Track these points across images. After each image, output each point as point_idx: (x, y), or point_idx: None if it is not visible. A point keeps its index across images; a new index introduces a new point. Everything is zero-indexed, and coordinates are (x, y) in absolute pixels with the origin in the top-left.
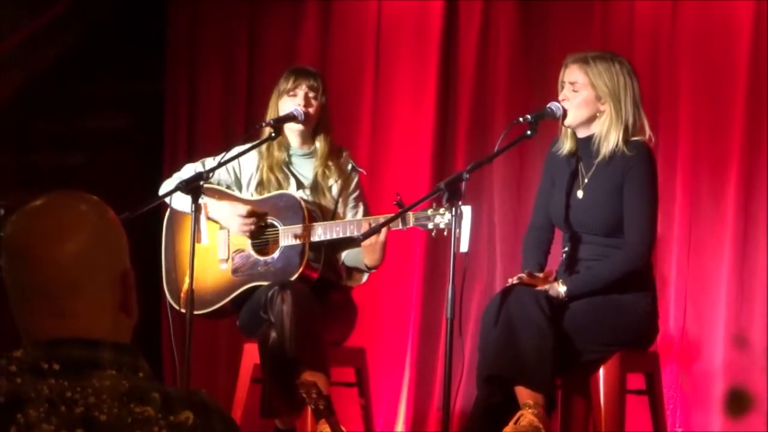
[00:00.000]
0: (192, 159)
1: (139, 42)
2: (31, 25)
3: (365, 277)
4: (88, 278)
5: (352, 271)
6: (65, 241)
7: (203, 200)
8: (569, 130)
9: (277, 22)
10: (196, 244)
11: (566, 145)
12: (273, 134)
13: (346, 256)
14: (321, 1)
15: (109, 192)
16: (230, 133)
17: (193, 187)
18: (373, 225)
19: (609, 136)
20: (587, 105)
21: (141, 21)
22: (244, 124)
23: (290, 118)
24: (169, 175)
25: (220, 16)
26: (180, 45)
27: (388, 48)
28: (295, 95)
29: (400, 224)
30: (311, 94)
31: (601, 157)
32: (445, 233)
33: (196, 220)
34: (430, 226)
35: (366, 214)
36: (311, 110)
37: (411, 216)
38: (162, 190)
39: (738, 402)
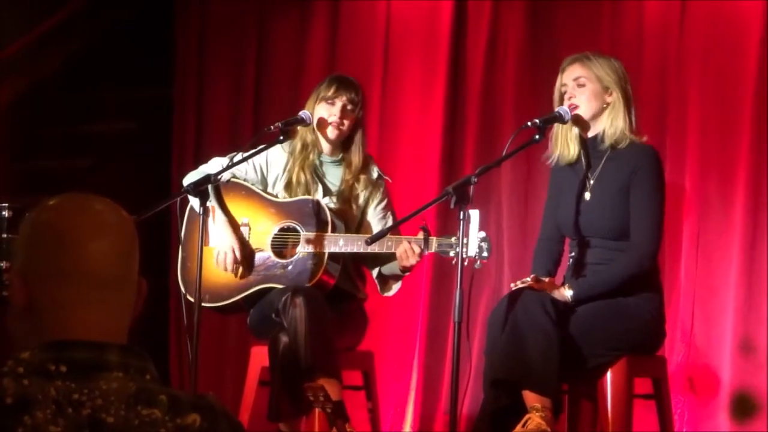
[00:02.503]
0: (199, 164)
1: (148, 47)
2: (39, 30)
3: (397, 287)
4: (119, 276)
5: (389, 280)
6: (106, 237)
7: (211, 204)
8: (570, 136)
9: (285, 27)
10: (207, 246)
11: (568, 151)
12: (281, 138)
13: (384, 265)
14: (329, 7)
15: (117, 196)
16: (238, 137)
17: (201, 190)
18: (395, 243)
19: (617, 123)
20: (596, 97)
21: (150, 26)
22: (252, 128)
23: (299, 121)
24: (178, 180)
25: (228, 21)
26: (188, 50)
27: (396, 53)
28: (333, 104)
29: (423, 246)
30: (349, 107)
31: (609, 147)
32: (466, 263)
33: (204, 223)
34: (452, 253)
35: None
36: (347, 122)
37: (434, 241)
38: (185, 181)
39: (743, 406)
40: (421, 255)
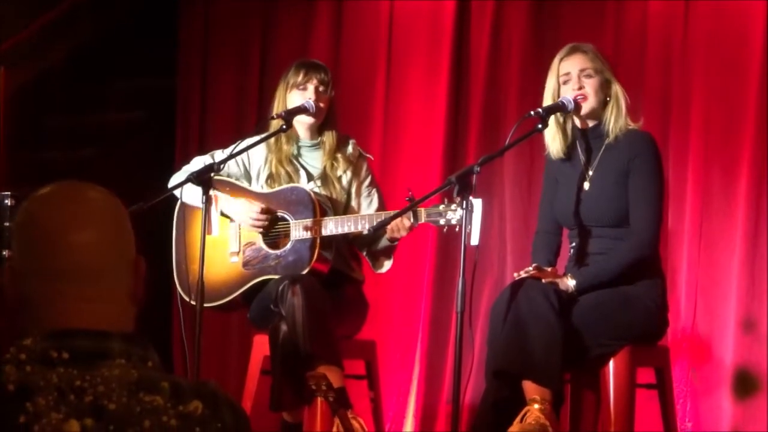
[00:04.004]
0: (204, 153)
1: (154, 38)
2: (44, 20)
3: (389, 264)
4: (109, 263)
5: (380, 256)
6: (87, 226)
7: (214, 192)
8: (561, 130)
9: (290, 18)
10: (207, 236)
11: (558, 145)
12: (284, 126)
13: (374, 243)
14: (332, 5)
15: (122, 185)
16: (242, 127)
17: (204, 179)
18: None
19: (621, 118)
20: (602, 89)
21: (154, 16)
22: (256, 118)
23: (302, 110)
24: (180, 169)
25: (233, 12)
26: (193, 41)
27: (400, 45)
28: (305, 89)
29: (412, 219)
30: (321, 88)
31: (611, 138)
32: (457, 229)
33: (207, 212)
34: (442, 222)
35: (380, 200)
36: (322, 104)
37: (423, 212)
38: (171, 183)
39: (744, 383)
40: (411, 228)
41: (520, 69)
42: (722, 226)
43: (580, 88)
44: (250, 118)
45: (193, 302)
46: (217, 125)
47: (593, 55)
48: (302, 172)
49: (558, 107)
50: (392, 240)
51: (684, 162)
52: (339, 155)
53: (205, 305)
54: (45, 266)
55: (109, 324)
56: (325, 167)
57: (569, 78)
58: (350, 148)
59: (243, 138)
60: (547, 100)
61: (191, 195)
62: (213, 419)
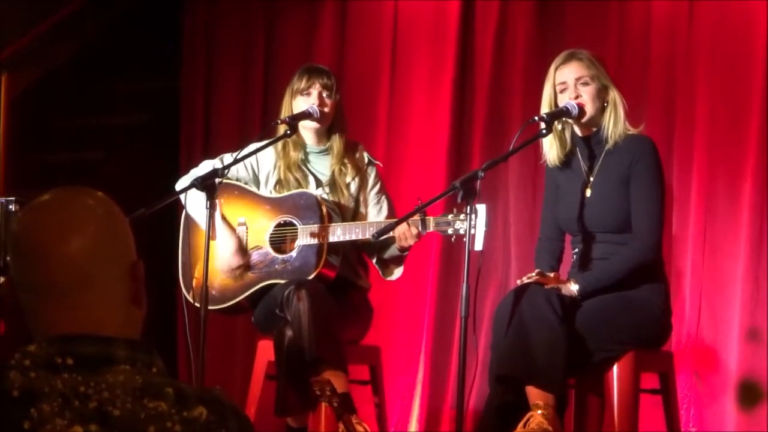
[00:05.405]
0: (208, 155)
1: (156, 39)
2: (49, 22)
3: (399, 271)
4: (98, 271)
5: (390, 264)
6: (73, 235)
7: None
8: (558, 138)
9: (294, 20)
10: (214, 240)
11: (554, 153)
12: (288, 132)
13: (383, 250)
14: (338, 0)
15: (126, 188)
16: (246, 130)
17: (208, 185)
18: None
19: (620, 123)
20: (599, 96)
21: (158, 18)
22: (261, 121)
23: (306, 115)
24: (186, 172)
25: (237, 13)
26: (197, 42)
27: (404, 47)
28: (309, 94)
29: (420, 228)
30: (325, 93)
31: (611, 144)
32: (465, 239)
33: (211, 217)
34: (450, 231)
35: (390, 207)
36: (326, 109)
37: (431, 221)
38: (178, 186)
39: (749, 394)
40: (419, 236)
41: (525, 70)
42: (726, 231)
43: (577, 96)
44: (255, 119)
45: (197, 304)
46: (221, 127)
47: (589, 62)
48: (311, 179)
49: (563, 112)
50: (402, 249)
51: (688, 167)
52: (347, 161)
53: (210, 308)
54: (30, 279)
55: (111, 329)
56: (333, 172)
57: (566, 87)
58: (359, 155)
59: (249, 143)
60: (544, 108)
61: (194, 203)
62: (217, 425)
